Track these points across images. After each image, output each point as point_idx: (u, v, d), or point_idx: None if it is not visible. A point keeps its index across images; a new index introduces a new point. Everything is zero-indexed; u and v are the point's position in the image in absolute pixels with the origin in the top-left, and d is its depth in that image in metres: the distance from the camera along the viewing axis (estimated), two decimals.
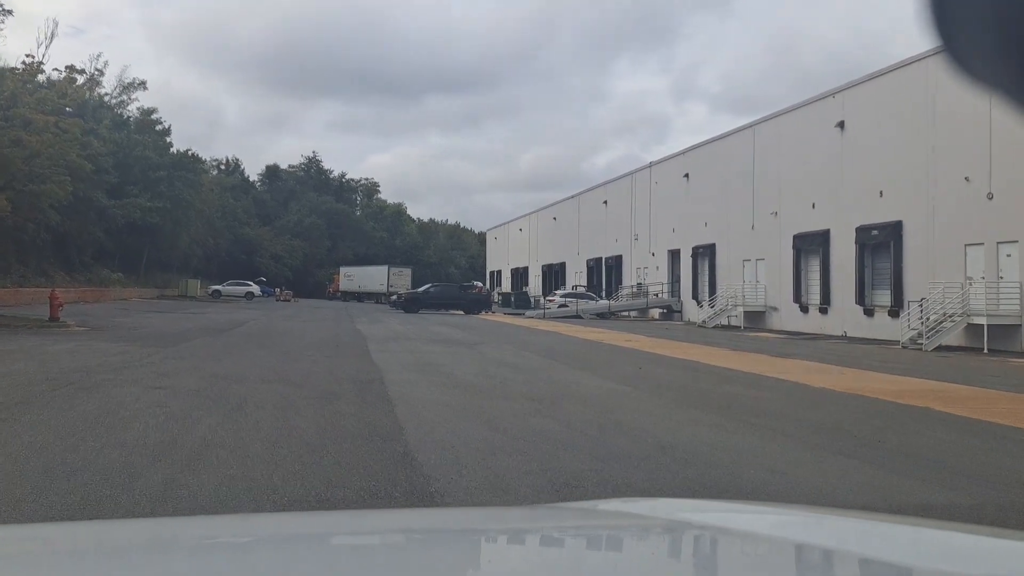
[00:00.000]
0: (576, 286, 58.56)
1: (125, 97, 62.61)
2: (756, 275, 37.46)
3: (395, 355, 16.88)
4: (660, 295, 47.13)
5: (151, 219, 52.06)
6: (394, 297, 57.09)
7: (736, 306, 37.14)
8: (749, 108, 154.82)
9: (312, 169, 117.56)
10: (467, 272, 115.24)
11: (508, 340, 23.69)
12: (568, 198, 69.55)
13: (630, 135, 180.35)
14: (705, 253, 42.31)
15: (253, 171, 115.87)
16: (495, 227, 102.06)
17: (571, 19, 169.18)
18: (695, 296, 43.48)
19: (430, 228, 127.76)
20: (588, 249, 61.42)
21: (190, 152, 57.15)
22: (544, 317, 44.93)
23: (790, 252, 34.28)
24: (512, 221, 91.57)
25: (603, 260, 58.35)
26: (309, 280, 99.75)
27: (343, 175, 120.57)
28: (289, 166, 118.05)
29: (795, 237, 33.86)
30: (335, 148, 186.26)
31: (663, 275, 47.75)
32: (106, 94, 62.27)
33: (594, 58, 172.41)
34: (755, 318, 36.48)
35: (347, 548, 1.67)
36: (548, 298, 51.04)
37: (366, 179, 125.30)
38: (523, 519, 2.11)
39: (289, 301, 66.58)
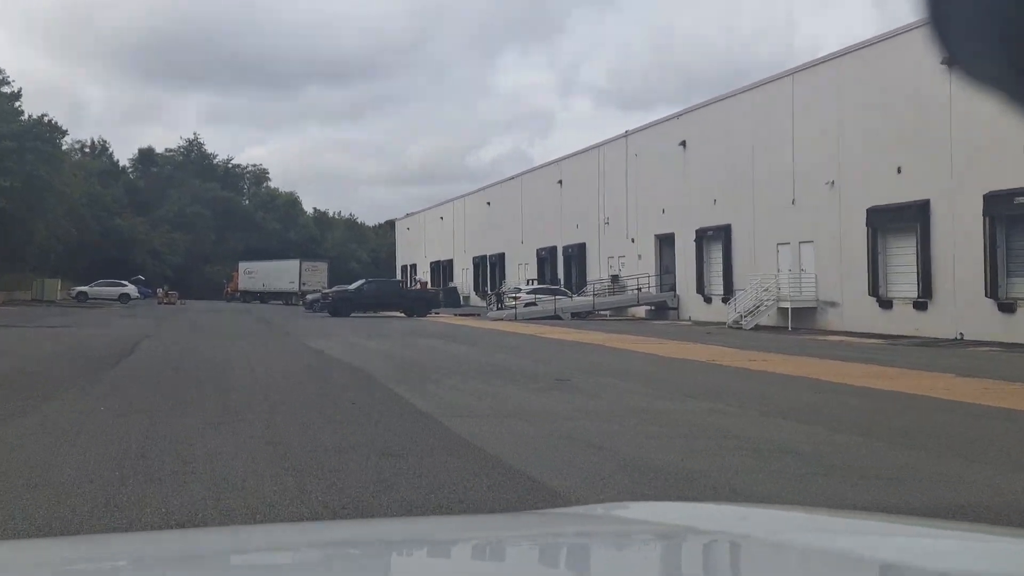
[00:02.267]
0: (531, 280, 50.04)
1: None
2: (799, 262, 29.93)
3: (503, 426, 7.89)
4: (647, 289, 39.14)
5: None
6: (310, 297, 47.03)
7: (780, 301, 29.47)
8: (634, 104, 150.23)
9: (193, 153, 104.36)
10: (369, 267, 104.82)
11: (573, 364, 14.88)
12: (507, 179, 60.95)
13: (517, 129, 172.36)
14: (716, 236, 34.55)
15: (124, 156, 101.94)
16: (407, 216, 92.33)
17: (457, 10, 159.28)
18: (701, 290, 35.68)
19: (326, 220, 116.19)
20: (536, 237, 52.97)
21: (47, 119, 44.95)
22: (516, 318, 36.21)
23: (861, 231, 26.78)
24: (430, 208, 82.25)
25: (559, 249, 50.04)
26: (194, 278, 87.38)
27: (229, 159, 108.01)
28: (167, 150, 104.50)
29: (870, 212, 26.36)
30: (209, 139, 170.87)
31: (648, 265, 39.83)
32: None
33: (480, 50, 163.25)
34: (802, 316, 28.95)
35: (341, 558, 1.64)
36: (510, 295, 42.17)
37: (254, 165, 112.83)
38: (513, 526, 2.09)
39: (175, 304, 55.26)
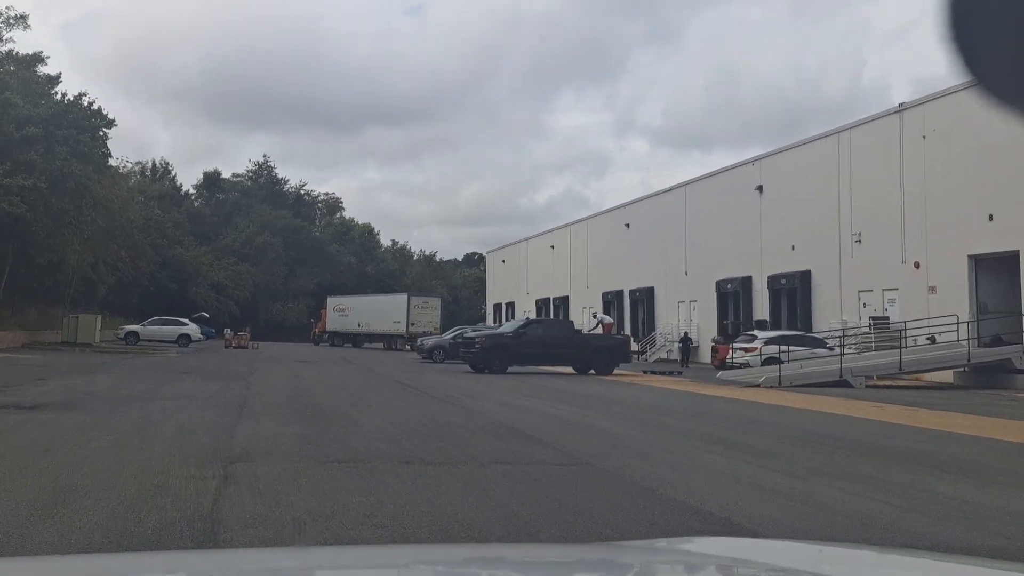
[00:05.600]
0: (742, 325, 36.93)
1: None
2: None
3: None
4: (954, 338, 25.62)
5: (12, 208, 28.92)
6: (429, 342, 34.69)
7: None
8: (692, 144, 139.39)
9: (263, 177, 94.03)
10: (451, 306, 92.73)
11: None
12: (660, 192, 48.08)
13: (571, 171, 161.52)
14: None
15: (188, 183, 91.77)
16: (500, 248, 79.95)
17: (514, 53, 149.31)
18: None
19: (404, 254, 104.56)
20: (711, 266, 40.05)
21: (84, 100, 33.63)
22: (780, 384, 23.04)
23: None
24: (534, 237, 69.91)
25: (757, 281, 36.97)
26: (261, 316, 76.24)
27: (302, 185, 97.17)
28: (234, 175, 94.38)
29: None
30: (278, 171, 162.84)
31: (955, 301, 26.46)
32: None
33: (534, 92, 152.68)
34: None
35: None
36: (739, 345, 28.91)
37: (327, 194, 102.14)
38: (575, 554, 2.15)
39: (247, 348, 43.54)
